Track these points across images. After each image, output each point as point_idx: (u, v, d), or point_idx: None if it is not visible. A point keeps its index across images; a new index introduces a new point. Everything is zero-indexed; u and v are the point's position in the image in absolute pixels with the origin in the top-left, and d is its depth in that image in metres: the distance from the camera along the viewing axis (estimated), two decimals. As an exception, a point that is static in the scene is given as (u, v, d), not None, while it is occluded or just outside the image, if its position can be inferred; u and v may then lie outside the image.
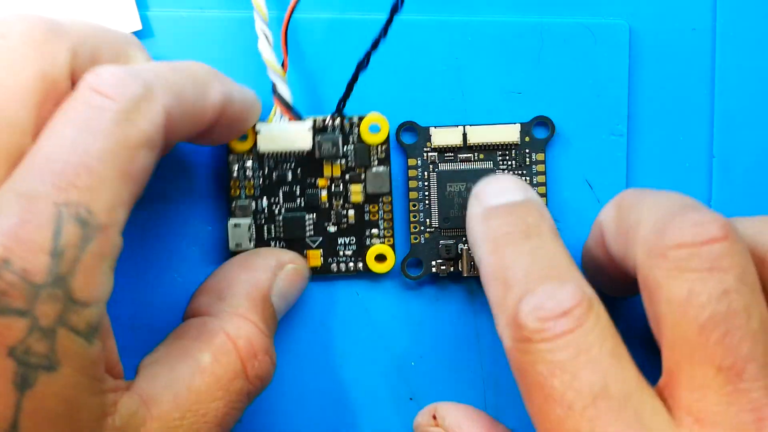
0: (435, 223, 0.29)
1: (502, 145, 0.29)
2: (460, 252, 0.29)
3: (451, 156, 0.29)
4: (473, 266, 0.28)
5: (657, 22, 0.30)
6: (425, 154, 0.29)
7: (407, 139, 0.29)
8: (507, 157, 0.29)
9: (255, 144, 0.28)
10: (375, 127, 0.28)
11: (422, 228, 0.29)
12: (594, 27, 0.29)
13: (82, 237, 0.20)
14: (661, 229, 0.21)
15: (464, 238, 0.29)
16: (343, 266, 0.29)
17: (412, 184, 0.29)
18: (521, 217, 0.24)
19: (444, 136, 0.29)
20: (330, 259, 0.29)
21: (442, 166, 0.29)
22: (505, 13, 0.29)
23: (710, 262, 0.20)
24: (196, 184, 0.29)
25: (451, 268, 0.29)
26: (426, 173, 0.29)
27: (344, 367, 0.29)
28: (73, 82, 0.22)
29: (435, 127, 0.29)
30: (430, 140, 0.29)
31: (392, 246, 0.28)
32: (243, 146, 0.28)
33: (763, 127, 0.30)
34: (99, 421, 0.21)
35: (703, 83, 0.30)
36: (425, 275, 0.29)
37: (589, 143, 0.29)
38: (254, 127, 0.28)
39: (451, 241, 0.29)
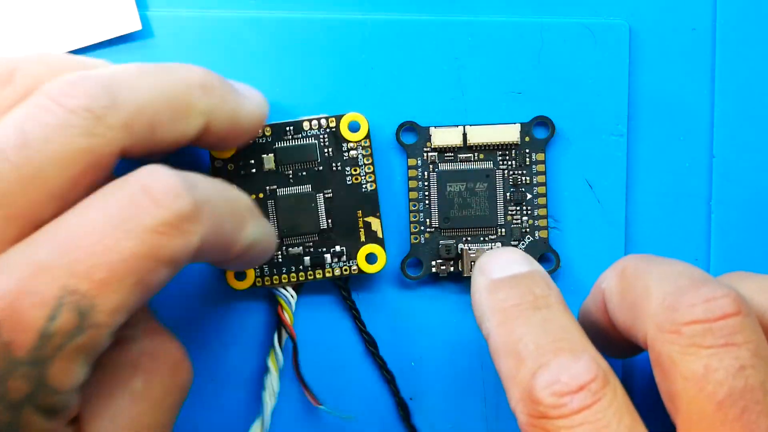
0: (435, 223, 0.29)
1: (502, 145, 0.29)
2: (460, 252, 0.29)
3: (451, 156, 0.29)
4: (473, 266, 0.28)
5: (657, 22, 0.30)
6: (425, 154, 0.29)
7: (407, 139, 0.29)
8: (507, 157, 0.29)
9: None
10: (355, 125, 0.28)
11: (422, 228, 0.29)
12: (594, 27, 0.29)
13: (76, 328, 0.19)
14: (673, 305, 0.21)
15: (464, 238, 0.29)
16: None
17: (412, 184, 0.29)
18: (528, 288, 0.23)
19: (444, 136, 0.29)
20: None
21: (442, 166, 0.29)
22: (505, 13, 0.29)
23: (725, 338, 0.20)
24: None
25: (451, 268, 0.29)
26: (426, 173, 0.29)
27: (345, 368, 0.29)
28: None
29: (435, 127, 0.29)
30: (430, 140, 0.29)
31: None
32: (225, 154, 0.28)
33: (763, 127, 0.30)
34: None
35: (703, 83, 0.30)
36: (425, 275, 0.29)
37: (589, 143, 0.29)
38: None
39: (451, 241, 0.29)
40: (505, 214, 0.29)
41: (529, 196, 0.29)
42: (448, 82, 0.29)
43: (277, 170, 0.28)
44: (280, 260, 0.28)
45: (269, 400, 0.28)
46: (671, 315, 0.21)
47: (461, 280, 0.29)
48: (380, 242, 0.28)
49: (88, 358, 0.20)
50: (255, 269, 0.28)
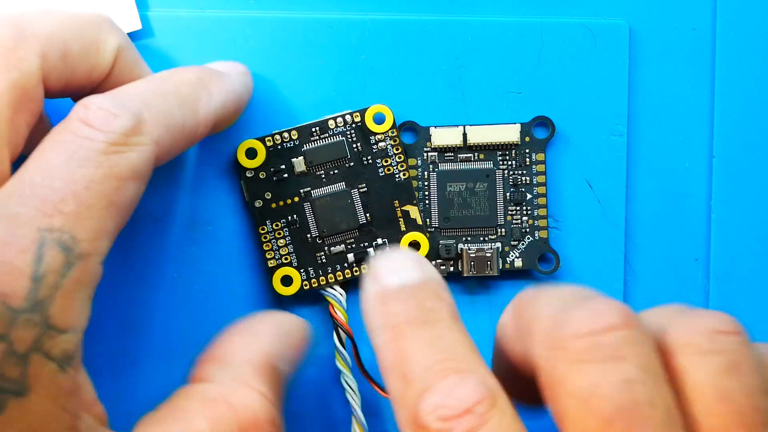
0: (435, 222, 0.29)
1: (502, 145, 0.29)
2: (459, 252, 0.29)
3: (451, 156, 0.29)
4: (473, 266, 0.28)
5: (657, 22, 0.30)
6: (425, 154, 0.29)
7: (407, 138, 0.29)
8: (507, 157, 0.29)
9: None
10: (380, 116, 0.28)
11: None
12: (594, 27, 0.29)
13: (64, 263, 0.20)
14: (559, 321, 0.20)
15: (464, 238, 0.29)
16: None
17: (413, 183, 0.29)
18: (419, 302, 0.22)
19: (444, 136, 0.29)
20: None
21: (442, 166, 0.29)
22: (505, 13, 0.29)
23: (611, 351, 0.19)
24: (197, 182, 0.29)
25: (451, 268, 0.29)
26: (426, 173, 0.29)
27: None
28: (44, 83, 0.22)
29: (435, 127, 0.29)
30: (430, 140, 0.29)
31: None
32: (255, 162, 0.28)
33: (763, 127, 0.30)
34: None
35: (703, 83, 0.30)
36: None
37: (589, 143, 0.29)
38: (264, 142, 0.28)
39: (451, 241, 0.29)
40: (505, 214, 0.29)
41: (529, 196, 0.29)
42: (448, 82, 0.29)
43: (308, 172, 0.28)
44: (324, 260, 0.28)
45: (354, 399, 0.28)
46: (557, 332, 0.20)
47: (461, 280, 0.29)
48: (422, 229, 0.29)
49: (87, 291, 0.21)
50: (300, 274, 0.28)
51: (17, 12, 0.23)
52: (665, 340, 0.20)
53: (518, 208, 0.29)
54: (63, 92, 0.24)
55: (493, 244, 0.29)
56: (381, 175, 0.28)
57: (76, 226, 0.20)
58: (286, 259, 0.28)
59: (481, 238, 0.29)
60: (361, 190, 0.28)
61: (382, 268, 0.23)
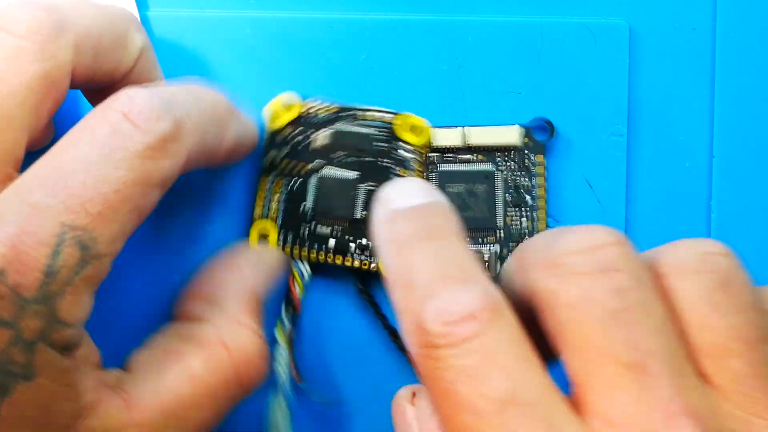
0: None
1: (502, 146, 0.29)
2: None
3: (451, 157, 0.29)
4: None
5: (657, 22, 0.30)
6: (425, 155, 0.29)
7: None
8: (507, 159, 0.29)
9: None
10: (417, 129, 0.28)
11: None
12: (594, 27, 0.29)
13: (79, 262, 0.20)
14: (551, 245, 0.20)
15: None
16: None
17: None
18: (426, 220, 0.23)
19: (444, 137, 0.29)
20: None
21: (442, 167, 0.29)
22: (505, 13, 0.29)
23: (603, 264, 0.20)
24: (198, 183, 0.29)
25: None
26: (426, 174, 0.29)
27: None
28: (73, 74, 0.23)
29: (435, 127, 0.29)
30: (430, 141, 0.29)
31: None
32: (286, 116, 0.28)
33: (763, 127, 0.30)
34: (74, 420, 0.21)
35: (703, 83, 0.30)
36: None
37: (589, 143, 0.29)
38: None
39: None
40: (504, 216, 0.29)
41: (528, 198, 0.29)
42: (448, 82, 0.29)
43: (330, 148, 0.28)
44: (306, 235, 0.28)
45: (283, 372, 0.28)
46: (549, 252, 0.20)
47: None
48: None
49: (94, 287, 0.21)
50: (279, 233, 0.28)
51: (55, 1, 0.23)
52: (657, 265, 0.21)
53: (517, 210, 0.29)
54: (85, 84, 0.24)
55: (491, 246, 0.29)
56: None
57: (98, 227, 0.20)
58: (272, 216, 0.28)
59: (480, 240, 0.29)
60: (368, 188, 0.28)
61: (390, 194, 0.23)
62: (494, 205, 0.29)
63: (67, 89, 0.23)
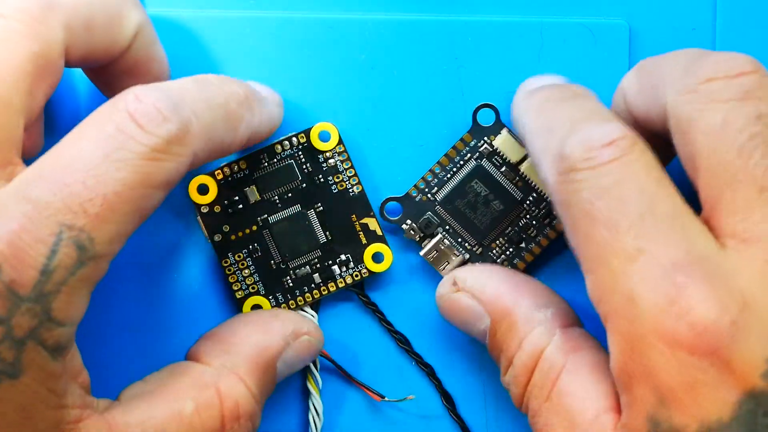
0: (438, 196, 0.29)
1: (542, 191, 0.28)
2: (434, 234, 0.28)
3: (499, 161, 0.28)
4: (434, 256, 0.28)
5: (657, 22, 0.30)
6: (482, 142, 0.29)
7: (483, 119, 0.29)
8: (538, 204, 0.28)
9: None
10: (325, 134, 0.28)
11: (425, 190, 0.29)
12: (594, 27, 0.29)
13: (76, 262, 0.20)
14: (691, 69, 0.21)
15: (448, 228, 0.29)
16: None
17: (451, 153, 0.29)
18: (567, 88, 0.24)
19: (506, 144, 0.28)
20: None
21: (485, 163, 0.28)
22: (505, 13, 0.29)
23: (743, 92, 0.20)
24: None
25: (416, 239, 0.29)
26: (471, 155, 0.29)
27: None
28: (66, 55, 0.22)
29: (509, 129, 0.28)
30: (496, 135, 0.28)
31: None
32: (208, 198, 0.28)
33: (764, 127, 0.30)
34: None
35: (703, 83, 0.30)
36: (397, 224, 0.29)
37: (589, 143, 0.29)
38: (214, 176, 0.28)
39: (436, 220, 0.29)
40: (493, 240, 0.29)
41: (524, 244, 0.29)
42: (448, 82, 0.29)
43: (263, 199, 0.28)
44: (291, 284, 0.28)
45: (316, 422, 0.28)
46: (688, 79, 0.21)
47: (417, 256, 0.29)
48: (382, 240, 0.29)
49: (90, 288, 0.21)
50: (269, 300, 0.28)
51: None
52: None
53: (508, 244, 0.29)
54: (81, 63, 0.24)
55: (465, 252, 0.29)
56: (334, 192, 0.28)
57: (96, 227, 0.20)
58: (253, 288, 0.28)
59: (459, 240, 0.29)
60: (317, 210, 0.28)
61: (528, 82, 0.25)
62: (494, 226, 0.29)
63: (61, 69, 0.22)
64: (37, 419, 0.20)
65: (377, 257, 0.29)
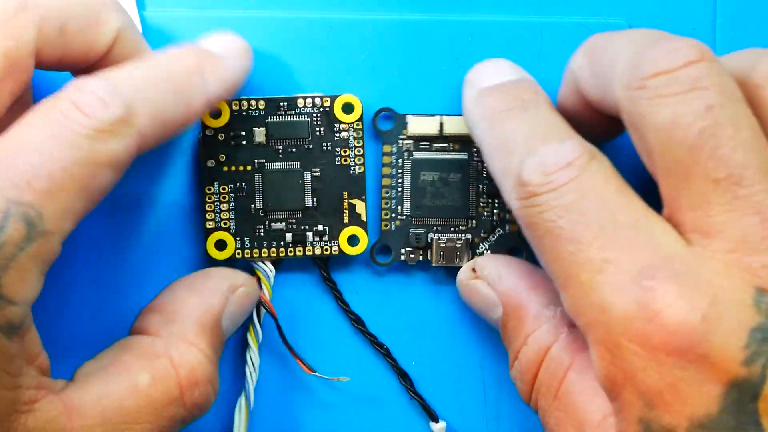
0: (407, 211, 0.29)
1: None
2: (429, 241, 0.29)
3: (426, 145, 0.29)
4: (443, 256, 0.28)
5: (657, 22, 0.30)
6: (400, 142, 0.29)
7: (384, 125, 0.29)
8: None
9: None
10: (349, 107, 0.28)
11: (393, 215, 0.29)
12: (594, 27, 0.29)
13: (25, 237, 0.20)
14: (637, 63, 0.21)
15: (435, 228, 0.29)
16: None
17: (386, 170, 0.29)
18: (517, 94, 0.24)
19: (420, 125, 0.29)
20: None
21: (417, 155, 0.29)
22: (505, 13, 0.29)
23: (690, 83, 0.20)
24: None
25: (420, 257, 0.29)
26: (400, 161, 0.29)
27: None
28: (38, 55, 0.22)
29: (412, 114, 0.29)
30: (406, 128, 0.29)
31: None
32: (217, 122, 0.28)
33: (764, 127, 0.30)
34: (8, 415, 0.21)
35: (703, 83, 0.30)
36: (394, 262, 0.29)
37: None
38: (230, 104, 0.28)
39: (421, 230, 0.29)
40: (477, 206, 0.29)
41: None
42: (448, 82, 0.29)
43: (267, 144, 0.28)
44: (262, 234, 0.28)
45: (252, 375, 0.28)
46: (636, 72, 0.21)
47: (430, 270, 0.29)
48: (363, 225, 0.29)
49: (42, 266, 0.21)
50: (236, 241, 0.28)
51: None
52: (750, 75, 0.21)
53: (490, 200, 0.29)
54: (57, 66, 0.24)
55: (463, 235, 0.29)
56: (337, 164, 0.28)
57: (44, 203, 0.20)
58: (225, 224, 0.28)
59: (452, 229, 0.29)
60: (314, 174, 0.28)
61: (479, 74, 0.25)
62: (468, 195, 0.29)
63: (31, 70, 0.22)
64: None
65: (353, 240, 0.29)
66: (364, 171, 0.28)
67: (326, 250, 0.29)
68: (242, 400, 0.28)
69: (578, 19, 0.29)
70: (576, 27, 0.29)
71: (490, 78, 0.25)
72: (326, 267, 0.29)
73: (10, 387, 0.21)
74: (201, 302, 0.26)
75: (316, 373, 0.28)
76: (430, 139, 0.29)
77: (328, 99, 0.28)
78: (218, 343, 0.26)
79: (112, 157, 0.21)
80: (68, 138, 0.21)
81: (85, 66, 0.24)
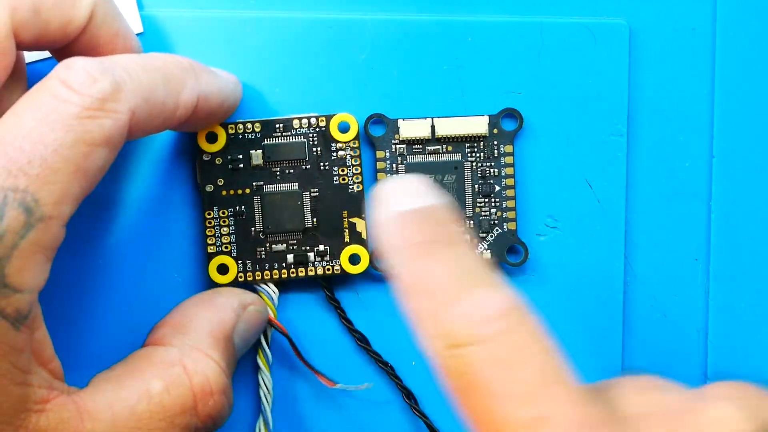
0: None
1: (470, 137, 0.29)
2: None
3: (419, 148, 0.29)
4: None
5: (657, 22, 0.30)
6: (393, 147, 0.29)
7: (376, 131, 0.29)
8: (475, 149, 0.29)
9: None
10: (345, 126, 0.28)
11: None
12: (594, 27, 0.29)
13: (24, 224, 0.20)
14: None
15: None
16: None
17: (381, 176, 0.29)
18: (437, 225, 0.22)
19: (412, 129, 0.29)
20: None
21: (411, 159, 0.29)
22: (505, 13, 0.29)
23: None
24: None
25: None
26: (394, 166, 0.29)
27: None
28: (16, 36, 0.22)
29: (403, 119, 0.29)
30: (398, 132, 0.29)
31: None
32: (214, 147, 0.28)
33: (763, 127, 0.30)
34: (19, 413, 0.20)
35: (703, 83, 0.30)
36: None
37: (589, 143, 0.29)
38: (226, 128, 0.28)
39: None
40: (474, 206, 0.29)
41: (497, 188, 0.29)
42: (448, 82, 0.29)
43: (264, 167, 0.28)
44: (264, 256, 0.28)
45: (267, 397, 0.28)
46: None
47: None
48: (364, 243, 0.29)
49: (46, 252, 0.21)
50: (237, 264, 0.28)
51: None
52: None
53: (487, 200, 0.29)
54: (36, 45, 0.24)
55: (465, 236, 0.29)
56: (335, 183, 0.28)
57: (40, 188, 0.20)
58: (226, 247, 0.28)
59: None
60: (312, 194, 0.28)
61: (392, 194, 0.23)
62: (464, 196, 0.29)
63: (12, 53, 0.22)
64: (1, 398, 0.20)
65: (354, 258, 0.29)
66: (362, 189, 0.28)
67: (328, 270, 0.29)
68: (260, 423, 0.28)
69: (578, 19, 0.29)
70: (576, 27, 0.29)
71: (407, 199, 0.22)
72: (330, 286, 0.29)
73: (20, 382, 0.20)
74: (213, 315, 0.26)
75: (339, 385, 0.28)
76: (423, 142, 0.29)
77: (324, 118, 0.28)
78: (231, 357, 0.26)
79: (105, 136, 0.21)
80: (59, 119, 0.21)
81: (66, 43, 0.24)
